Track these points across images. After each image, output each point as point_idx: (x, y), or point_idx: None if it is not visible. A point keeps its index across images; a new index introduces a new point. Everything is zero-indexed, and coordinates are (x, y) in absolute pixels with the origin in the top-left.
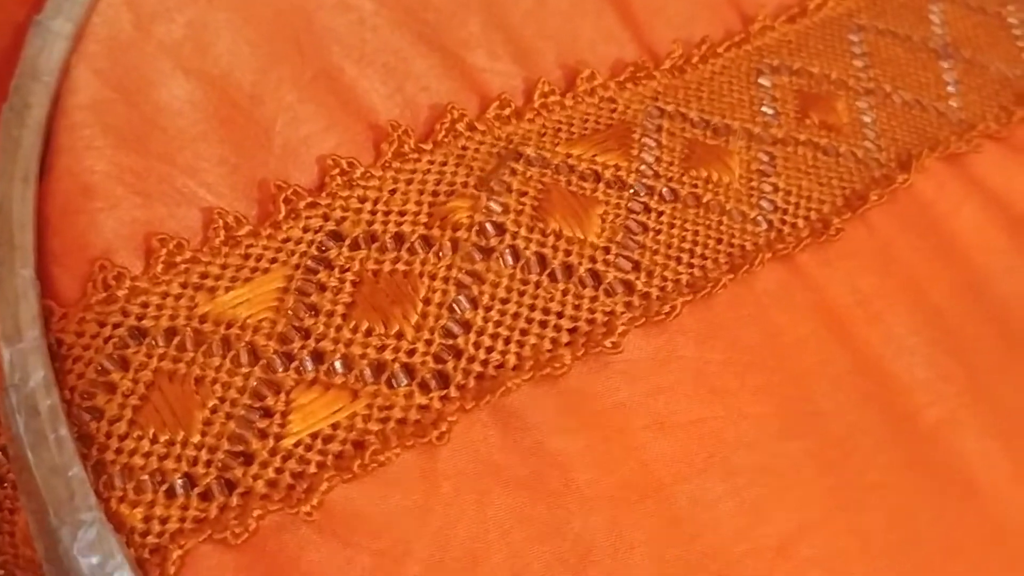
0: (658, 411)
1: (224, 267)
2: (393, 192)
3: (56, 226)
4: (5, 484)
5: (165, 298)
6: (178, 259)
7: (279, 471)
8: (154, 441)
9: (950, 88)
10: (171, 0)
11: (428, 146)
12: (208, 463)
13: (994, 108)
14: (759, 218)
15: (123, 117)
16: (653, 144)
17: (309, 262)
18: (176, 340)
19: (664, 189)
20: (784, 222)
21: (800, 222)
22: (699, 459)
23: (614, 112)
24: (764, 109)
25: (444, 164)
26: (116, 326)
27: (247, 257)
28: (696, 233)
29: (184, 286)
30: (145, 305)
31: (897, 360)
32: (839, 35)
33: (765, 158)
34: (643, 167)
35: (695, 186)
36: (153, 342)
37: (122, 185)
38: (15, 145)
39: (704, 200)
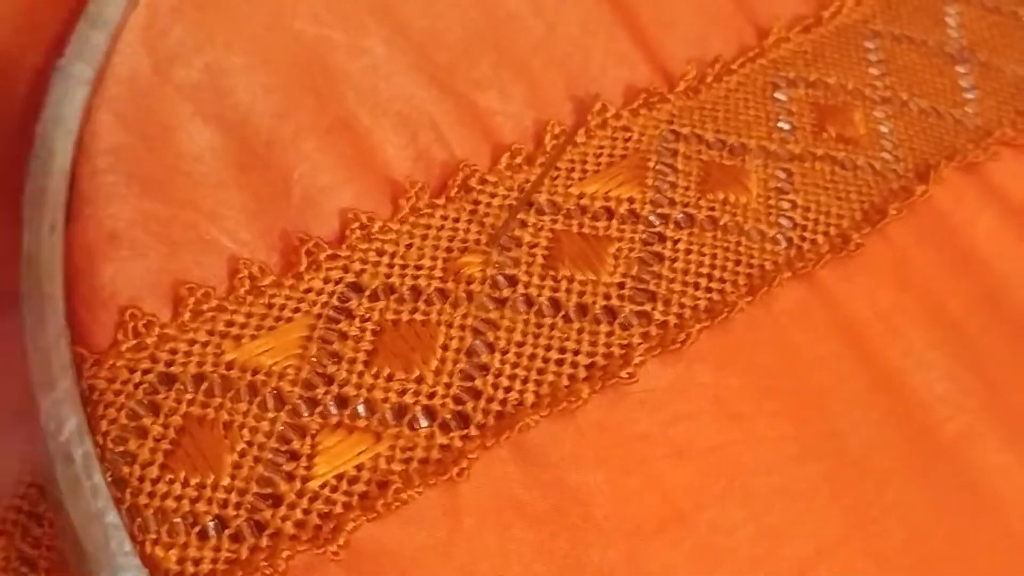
0: (677, 440)
1: (249, 316)
2: (409, 247)
3: (84, 274)
4: (44, 522)
5: (193, 345)
6: (205, 307)
7: (306, 512)
8: (185, 484)
9: (967, 94)
10: (189, 42)
11: (441, 201)
12: (238, 505)
13: (1010, 113)
14: (778, 236)
15: (145, 163)
16: (668, 171)
17: (331, 312)
18: (204, 386)
19: (680, 216)
20: (803, 239)
21: (819, 238)
22: (718, 486)
23: (628, 141)
24: (781, 124)
25: (457, 220)
26: (146, 372)
27: (271, 307)
28: (714, 257)
29: (211, 334)
30: (174, 352)
31: (916, 375)
32: (855, 42)
33: (783, 175)
34: (658, 196)
35: (712, 209)
36: (182, 388)
37: (148, 233)
38: (41, 194)
39: (721, 222)
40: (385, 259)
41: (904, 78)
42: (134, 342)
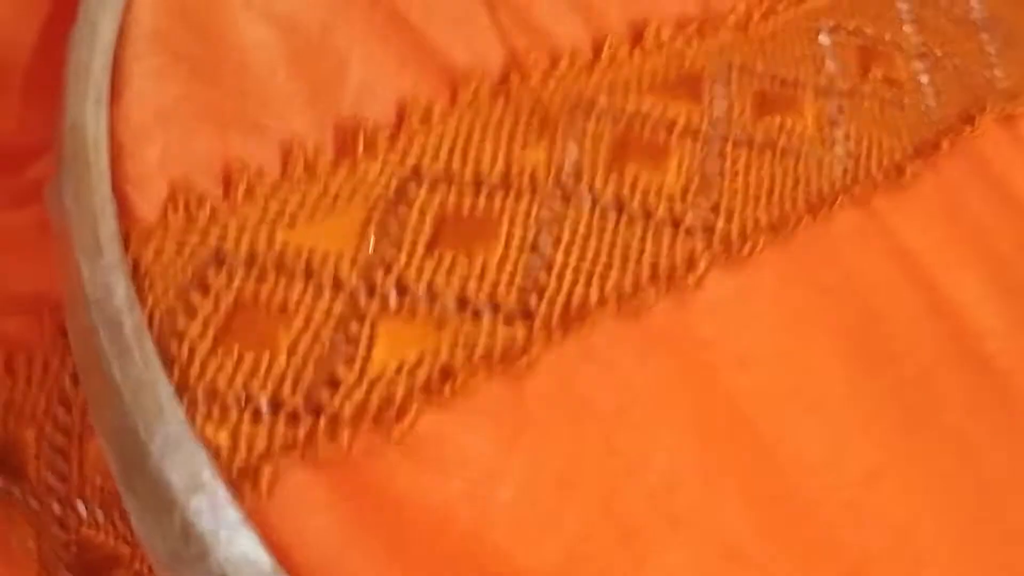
0: (742, 347)
1: (304, 199)
2: (469, 137)
3: (131, 151)
4: (73, 410)
5: (245, 225)
6: (257, 188)
7: (367, 396)
8: (239, 362)
9: (993, 59)
10: None
11: (502, 96)
12: (294, 386)
13: None
14: (834, 162)
15: (191, 49)
16: (724, 94)
17: (389, 198)
18: (257, 267)
19: (738, 135)
20: (858, 167)
21: (873, 167)
22: (783, 393)
23: (683, 65)
24: (828, 64)
25: (517, 113)
26: (196, 250)
27: (326, 191)
28: (773, 176)
29: (264, 215)
30: (225, 231)
31: (968, 307)
32: (888, 2)
33: (834, 108)
34: (716, 115)
35: (769, 132)
36: (234, 268)
37: (197, 112)
38: (85, 68)
39: (779, 145)
40: (445, 146)
41: (936, 37)
42: (184, 218)
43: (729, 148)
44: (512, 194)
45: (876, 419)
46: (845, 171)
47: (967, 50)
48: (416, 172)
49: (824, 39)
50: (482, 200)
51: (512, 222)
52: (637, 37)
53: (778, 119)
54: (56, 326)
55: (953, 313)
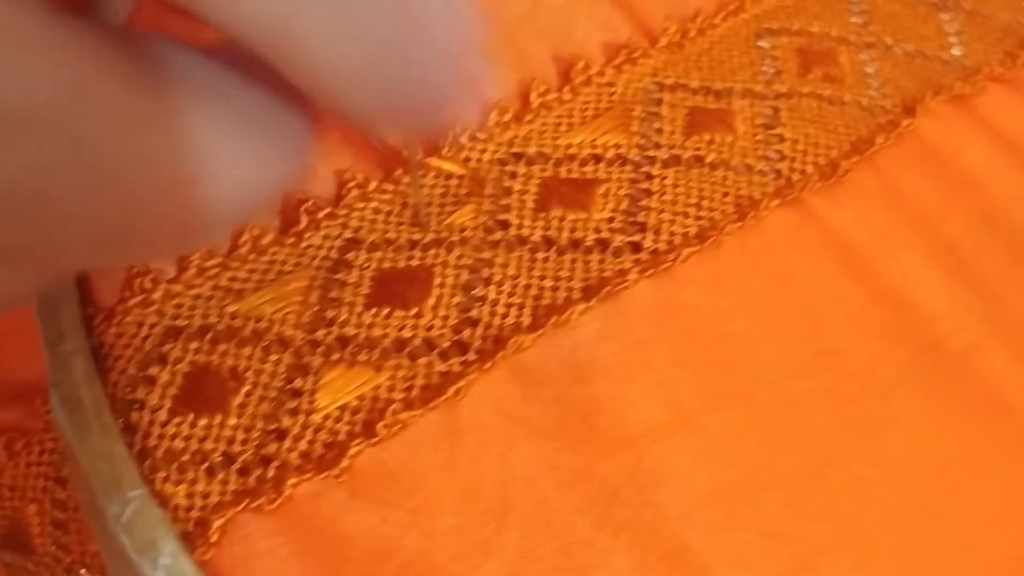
0: (679, 349)
1: (251, 272)
2: (404, 205)
3: None
4: (68, 486)
5: (197, 300)
6: (209, 264)
7: (311, 443)
8: (193, 426)
9: (952, 39)
10: None
11: (434, 160)
12: (244, 441)
13: (999, 54)
14: (765, 168)
15: None
16: (653, 118)
17: (330, 264)
18: (209, 335)
19: (666, 156)
20: (792, 169)
21: (809, 168)
22: (722, 392)
23: (613, 95)
24: (765, 68)
25: (449, 177)
26: (153, 326)
27: (272, 263)
28: (701, 190)
29: (215, 289)
30: (179, 306)
31: (916, 292)
32: None
33: (769, 111)
34: (643, 141)
35: (698, 149)
36: (188, 338)
37: None
38: None
39: (707, 160)
40: (381, 216)
41: (888, 26)
42: (141, 298)
43: (656, 169)
44: (443, 248)
45: (816, 418)
46: (778, 175)
47: (922, 34)
48: (355, 240)
49: (764, 43)
50: (416, 257)
51: (444, 270)
52: (567, 76)
53: (707, 136)
54: (47, 410)
55: (899, 302)
